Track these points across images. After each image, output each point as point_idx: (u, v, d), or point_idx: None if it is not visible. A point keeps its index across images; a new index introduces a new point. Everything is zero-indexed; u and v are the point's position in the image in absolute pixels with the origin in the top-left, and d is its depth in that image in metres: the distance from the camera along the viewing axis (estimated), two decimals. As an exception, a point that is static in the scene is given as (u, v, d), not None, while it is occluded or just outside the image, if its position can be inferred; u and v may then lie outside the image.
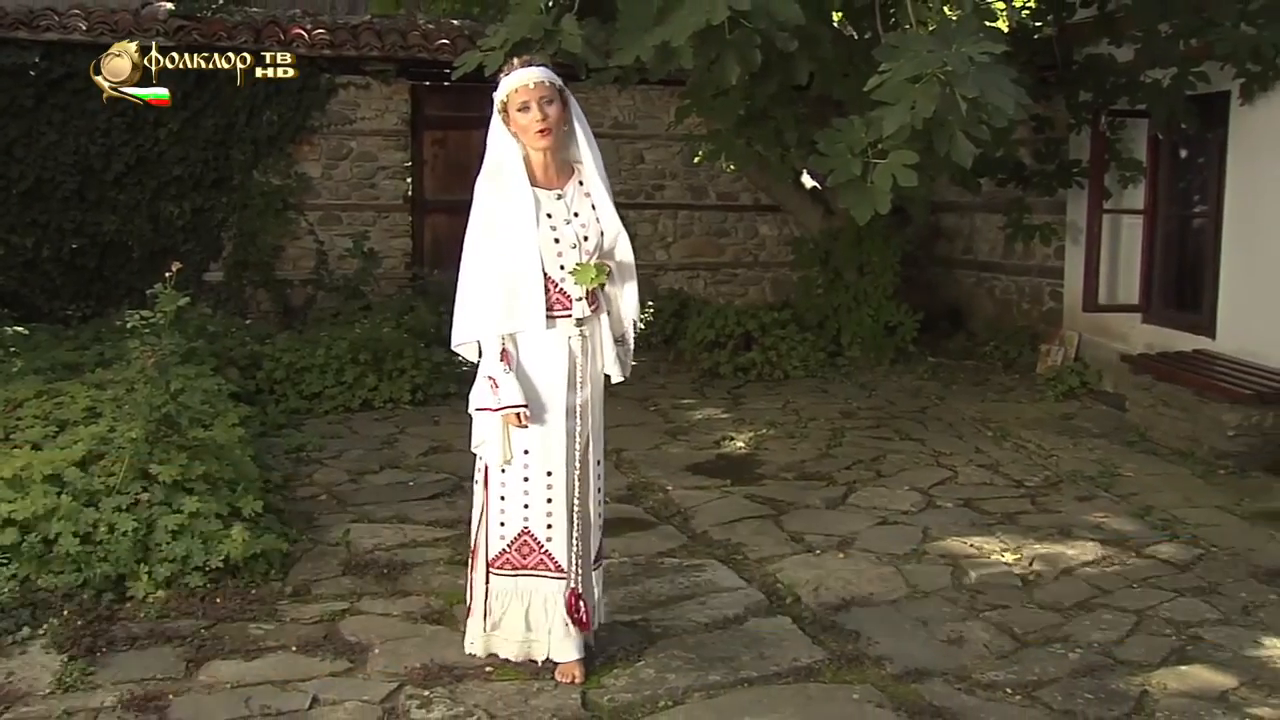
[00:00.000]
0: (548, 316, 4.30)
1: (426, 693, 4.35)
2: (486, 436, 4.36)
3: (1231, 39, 8.12)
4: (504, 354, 4.27)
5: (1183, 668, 4.72)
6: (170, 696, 4.27)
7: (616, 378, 4.61)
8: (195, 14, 10.82)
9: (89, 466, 5.48)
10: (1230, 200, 8.86)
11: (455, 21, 12.37)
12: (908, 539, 6.25)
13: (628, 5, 6.60)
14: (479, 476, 4.49)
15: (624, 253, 4.53)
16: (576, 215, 4.37)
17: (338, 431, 8.48)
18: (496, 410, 4.26)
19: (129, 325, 5.82)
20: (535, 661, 4.47)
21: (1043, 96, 9.78)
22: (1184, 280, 9.79)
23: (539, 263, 4.25)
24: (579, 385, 4.37)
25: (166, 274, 5.79)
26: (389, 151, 11.66)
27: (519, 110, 4.24)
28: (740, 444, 8.34)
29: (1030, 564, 5.89)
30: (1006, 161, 9.96)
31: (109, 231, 10.67)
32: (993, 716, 4.28)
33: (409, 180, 11.85)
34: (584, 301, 4.34)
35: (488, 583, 4.47)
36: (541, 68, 4.28)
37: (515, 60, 4.36)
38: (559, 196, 4.37)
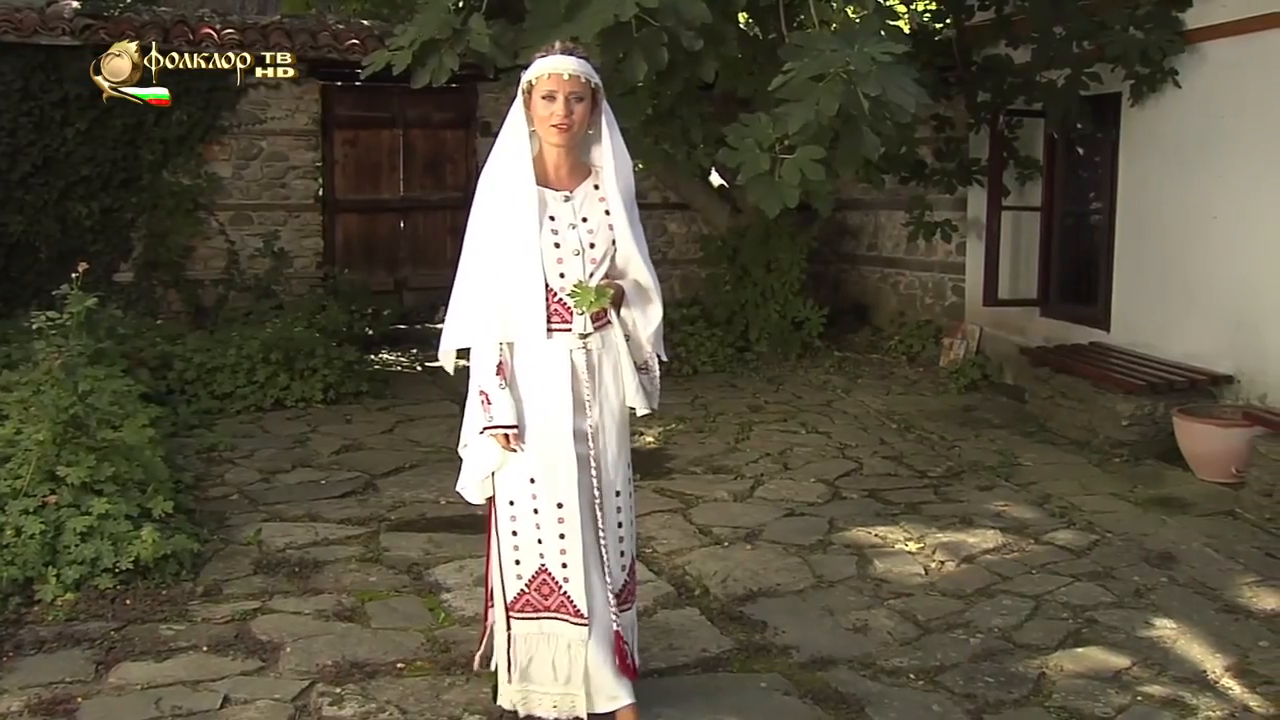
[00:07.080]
0: (546, 328, 3.89)
1: (338, 690, 4.37)
2: (482, 464, 3.98)
3: (1121, 42, 8.36)
4: (499, 367, 3.88)
5: (1079, 650, 4.87)
6: (79, 700, 4.25)
7: (641, 410, 4.10)
8: (102, 13, 10.62)
9: (-6, 470, 5.42)
10: (1122, 198, 9.07)
11: (365, 21, 12.25)
12: (814, 530, 6.36)
13: (536, 3, 6.63)
14: (488, 512, 4.10)
15: (639, 272, 4.07)
16: (585, 220, 3.97)
17: (250, 431, 8.42)
18: (484, 430, 3.88)
19: (35, 327, 5.74)
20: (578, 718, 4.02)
21: (943, 96, 9.94)
22: (1080, 275, 10.01)
23: (540, 265, 3.84)
24: (586, 406, 3.93)
25: (74, 275, 5.73)
26: (300, 151, 11.54)
27: (543, 98, 3.86)
28: (650, 439, 8.41)
29: (933, 553, 6.03)
30: (909, 159, 10.09)
31: (15, 232, 10.45)
32: (897, 702, 4.38)
33: (320, 180, 11.75)
34: (586, 316, 3.90)
35: (509, 629, 4.04)
36: (582, 60, 3.89)
37: (557, 44, 3.96)
38: (566, 198, 3.96)
